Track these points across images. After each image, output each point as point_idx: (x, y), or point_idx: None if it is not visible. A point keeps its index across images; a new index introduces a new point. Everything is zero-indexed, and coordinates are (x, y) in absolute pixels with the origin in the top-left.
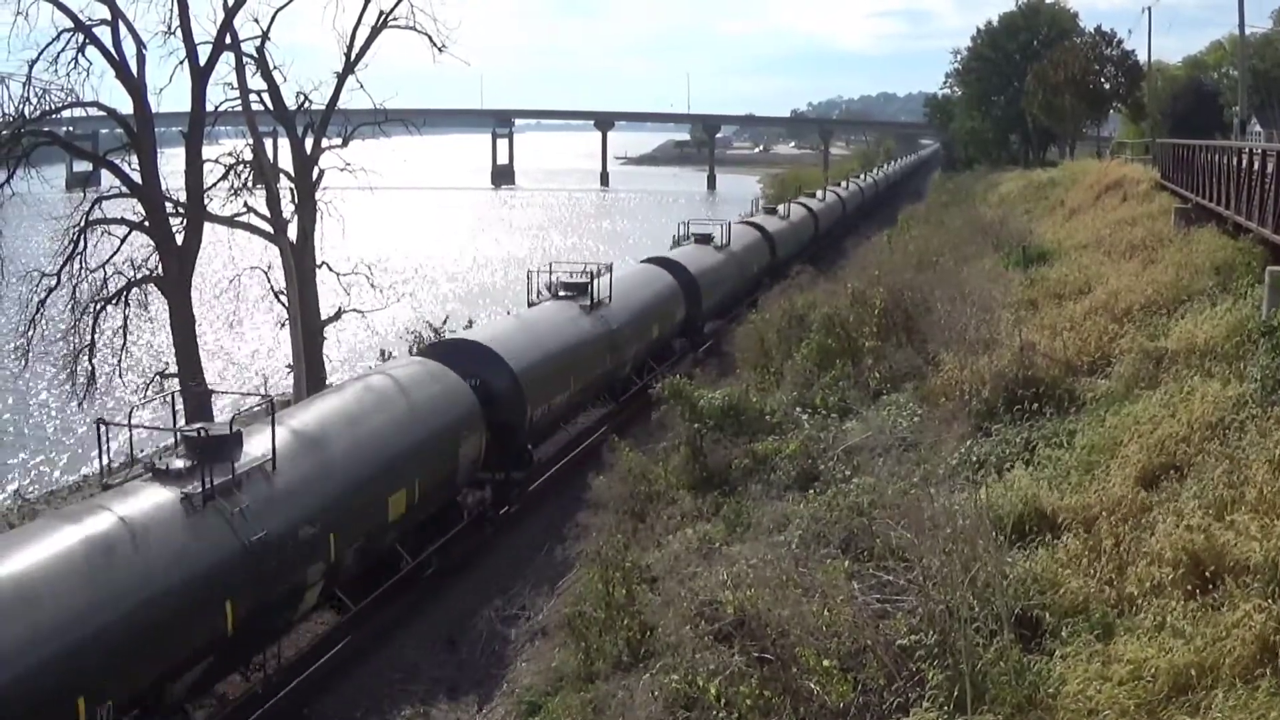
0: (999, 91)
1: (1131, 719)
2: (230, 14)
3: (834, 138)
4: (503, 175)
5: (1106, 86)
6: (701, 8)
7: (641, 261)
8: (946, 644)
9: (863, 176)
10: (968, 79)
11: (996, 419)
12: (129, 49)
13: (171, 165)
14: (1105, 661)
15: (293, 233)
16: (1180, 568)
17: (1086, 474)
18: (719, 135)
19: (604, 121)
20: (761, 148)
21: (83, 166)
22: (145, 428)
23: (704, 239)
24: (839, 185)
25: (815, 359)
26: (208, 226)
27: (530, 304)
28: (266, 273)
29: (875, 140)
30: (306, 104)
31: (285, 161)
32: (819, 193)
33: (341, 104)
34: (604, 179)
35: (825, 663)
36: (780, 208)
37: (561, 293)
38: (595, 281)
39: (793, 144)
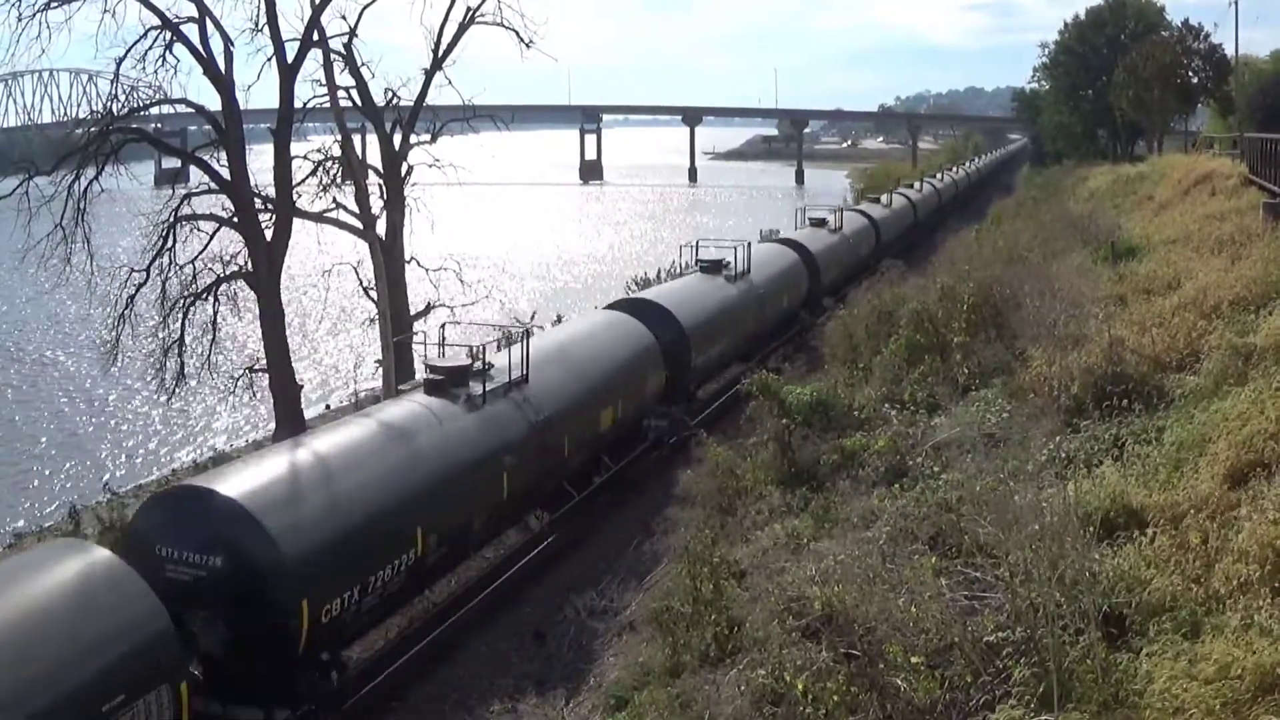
0: (1087, 86)
1: (1218, 718)
2: (317, 11)
3: (922, 132)
4: (591, 171)
5: (1195, 80)
6: (794, 2)
7: (768, 241)
8: (1033, 641)
9: (955, 170)
10: (1055, 73)
11: (1085, 415)
12: (216, 46)
13: (260, 162)
14: (1192, 660)
15: (381, 229)
16: (1268, 565)
17: (1175, 471)
18: (806, 130)
19: (692, 117)
20: (849, 143)
21: (171, 163)
22: (435, 343)
23: (819, 222)
24: (933, 177)
25: (904, 354)
26: (297, 223)
27: (679, 274)
28: (356, 268)
29: (963, 135)
30: (395, 100)
31: (374, 158)
32: (916, 184)
33: (430, 100)
34: (692, 174)
35: (912, 659)
36: (883, 197)
37: (708, 264)
38: (735, 255)
39: (880, 139)
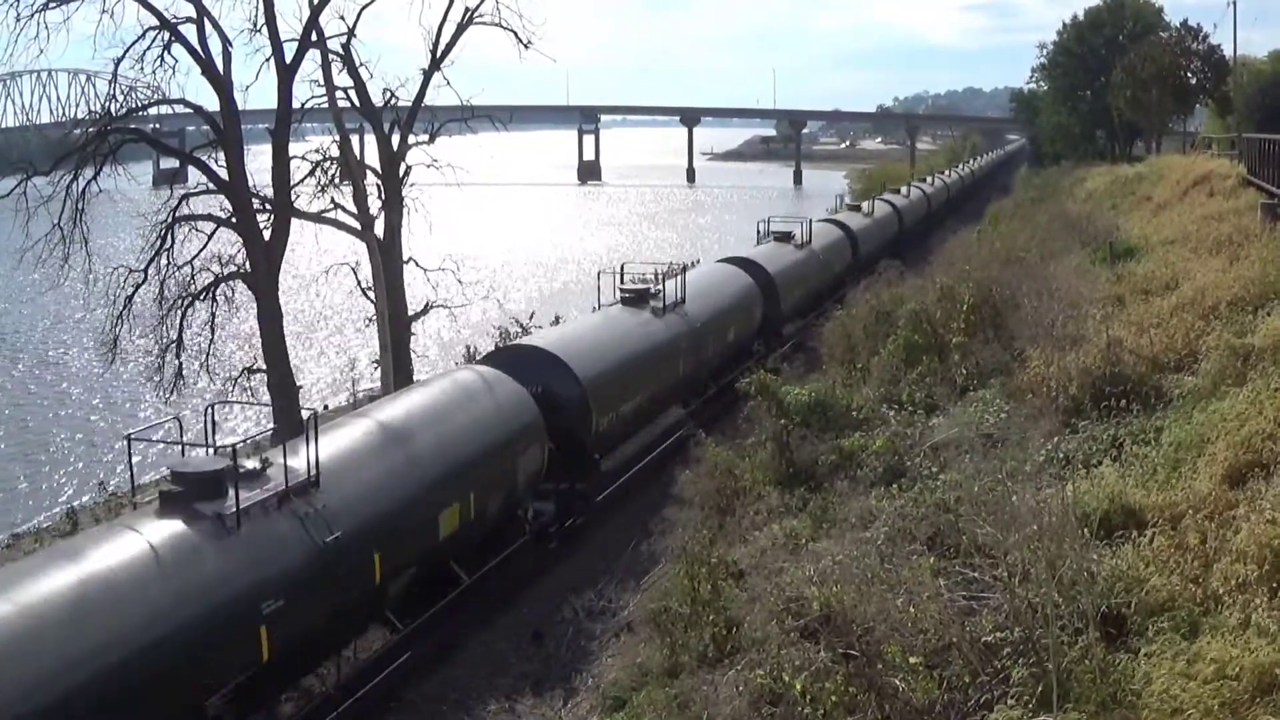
0: (1085, 86)
1: (1216, 718)
2: (316, 11)
3: (920, 133)
4: (589, 171)
5: (1193, 81)
6: (793, 2)
7: (717, 261)
8: (1031, 641)
9: (948, 172)
10: (1053, 74)
11: (1083, 415)
12: (215, 46)
13: (259, 162)
14: (1190, 660)
15: (380, 229)
16: (1266, 565)
17: (1173, 471)
18: (805, 131)
19: (690, 118)
20: (848, 143)
21: (169, 163)
22: (178, 444)
23: (784, 237)
24: (924, 181)
25: (902, 355)
26: (296, 223)
27: (598, 307)
28: (354, 269)
29: (961, 136)
30: (393, 101)
31: (372, 158)
32: (904, 189)
33: (428, 100)
34: (690, 175)
35: (911, 659)
36: (864, 204)
37: (632, 295)
38: (668, 283)
39: (879, 139)
